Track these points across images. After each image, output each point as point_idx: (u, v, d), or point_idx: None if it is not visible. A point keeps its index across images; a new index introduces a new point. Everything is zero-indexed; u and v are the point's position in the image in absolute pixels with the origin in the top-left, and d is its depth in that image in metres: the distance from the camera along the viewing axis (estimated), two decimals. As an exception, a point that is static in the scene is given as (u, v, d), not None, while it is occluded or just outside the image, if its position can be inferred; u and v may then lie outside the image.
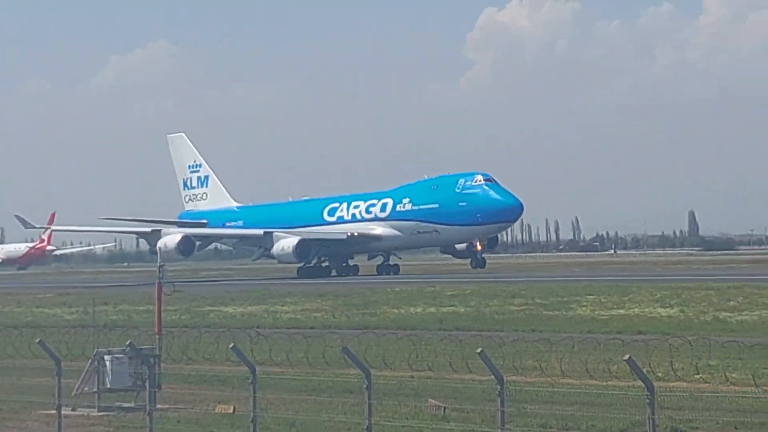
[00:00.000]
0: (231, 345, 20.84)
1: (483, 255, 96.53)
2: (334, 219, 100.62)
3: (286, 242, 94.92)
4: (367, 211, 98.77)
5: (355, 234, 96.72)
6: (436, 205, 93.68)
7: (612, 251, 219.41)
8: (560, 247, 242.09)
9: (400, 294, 60.81)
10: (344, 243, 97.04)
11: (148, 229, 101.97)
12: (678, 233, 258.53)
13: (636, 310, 45.97)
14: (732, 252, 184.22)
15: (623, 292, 54.73)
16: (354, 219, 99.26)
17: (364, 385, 19.00)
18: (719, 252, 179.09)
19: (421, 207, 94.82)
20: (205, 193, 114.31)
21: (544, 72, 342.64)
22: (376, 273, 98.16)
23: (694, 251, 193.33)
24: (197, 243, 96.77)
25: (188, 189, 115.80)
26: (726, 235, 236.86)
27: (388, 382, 23.51)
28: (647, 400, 16.76)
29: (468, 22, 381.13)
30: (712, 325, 39.04)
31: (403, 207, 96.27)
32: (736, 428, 20.01)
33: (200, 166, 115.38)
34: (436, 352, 26.91)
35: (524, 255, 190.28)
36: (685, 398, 21.42)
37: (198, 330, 37.09)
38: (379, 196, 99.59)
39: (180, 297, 63.15)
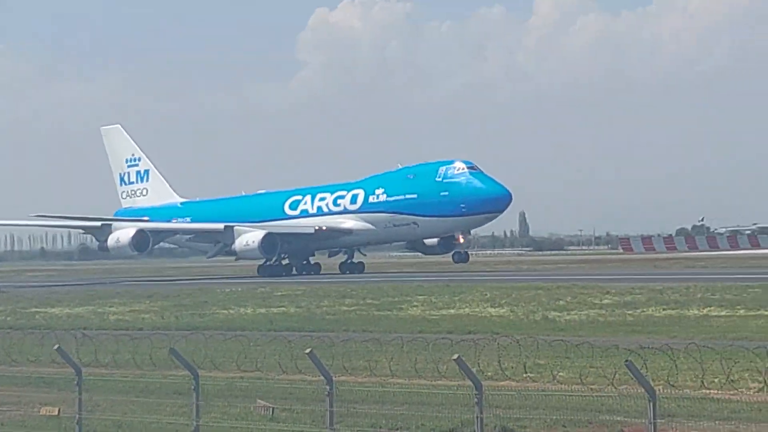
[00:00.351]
0: (56, 346, 20.35)
1: (466, 250, 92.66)
2: (296, 212, 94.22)
3: (250, 236, 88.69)
4: (335, 204, 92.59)
5: (324, 228, 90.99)
6: (415, 196, 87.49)
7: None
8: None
9: (230, 295, 60.41)
10: (312, 238, 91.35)
11: (98, 224, 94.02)
12: (509, 233, 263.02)
13: (466, 309, 46.16)
14: (561, 252, 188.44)
15: (454, 292, 55.29)
16: (320, 212, 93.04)
17: (192, 386, 18.80)
18: (549, 252, 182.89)
19: (397, 198, 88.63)
20: (145, 188, 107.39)
21: (376, 72, 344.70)
22: (339, 272, 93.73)
23: (524, 251, 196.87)
24: (151, 239, 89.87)
25: (125, 184, 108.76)
26: (555, 235, 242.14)
27: (216, 383, 23.20)
28: (476, 399, 16.86)
29: (299, 22, 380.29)
30: (541, 324, 39.33)
31: (377, 198, 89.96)
32: (564, 426, 20.25)
33: (139, 159, 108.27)
34: (265, 352, 26.66)
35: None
36: (513, 397, 21.54)
37: (23, 331, 36.23)
38: (348, 187, 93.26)
39: (5, 298, 61.83)
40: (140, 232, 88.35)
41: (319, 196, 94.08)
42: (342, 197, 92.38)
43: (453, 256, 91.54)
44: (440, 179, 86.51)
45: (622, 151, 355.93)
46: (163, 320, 45.54)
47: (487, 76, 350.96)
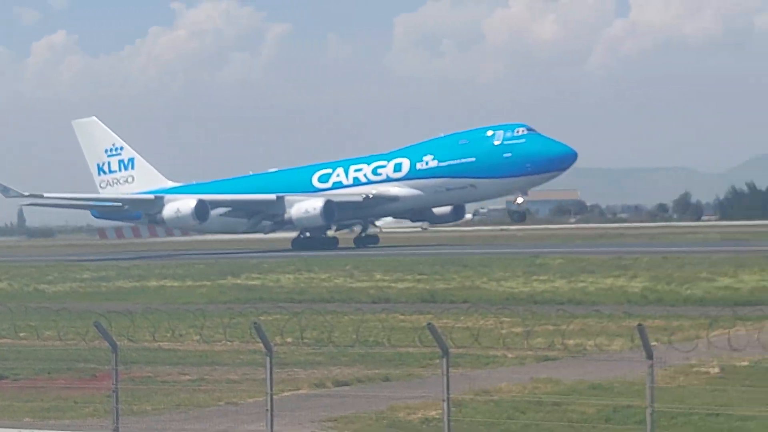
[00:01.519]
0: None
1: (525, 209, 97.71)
2: (327, 185, 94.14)
3: (309, 203, 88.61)
4: (375, 173, 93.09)
5: (370, 195, 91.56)
6: (473, 159, 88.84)
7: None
8: None
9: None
10: (359, 205, 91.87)
11: (151, 197, 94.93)
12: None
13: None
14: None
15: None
16: (358, 183, 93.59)
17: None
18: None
19: (452, 162, 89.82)
20: (131, 176, 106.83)
21: None
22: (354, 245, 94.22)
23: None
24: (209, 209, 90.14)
25: (105, 174, 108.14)
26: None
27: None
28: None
29: None
30: (33, 294, 47.92)
31: (425, 165, 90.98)
32: (48, 373, 26.56)
33: (121, 148, 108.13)
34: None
35: None
36: (8, 351, 28.03)
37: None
38: (388, 156, 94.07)
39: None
40: (201, 202, 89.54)
41: (353, 167, 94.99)
42: (383, 167, 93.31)
43: (512, 215, 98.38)
44: (500, 142, 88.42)
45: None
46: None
47: None
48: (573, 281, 48.58)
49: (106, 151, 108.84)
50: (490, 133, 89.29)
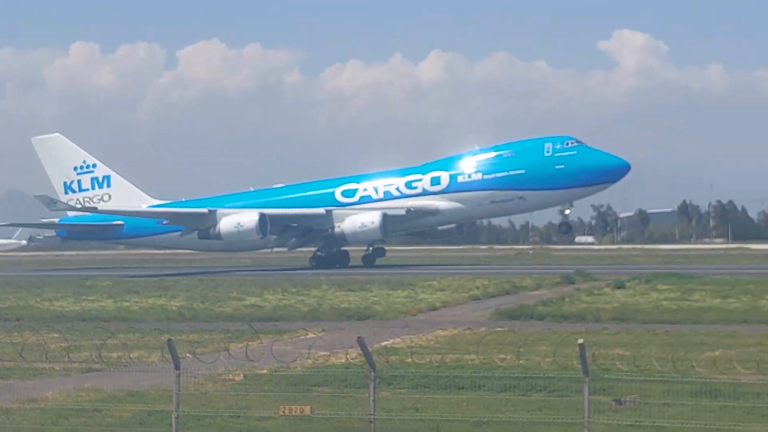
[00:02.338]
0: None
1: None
2: (354, 200, 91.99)
3: (366, 217, 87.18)
4: (409, 187, 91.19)
5: (412, 209, 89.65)
6: (522, 171, 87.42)
7: None
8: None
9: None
10: (404, 219, 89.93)
11: (204, 210, 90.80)
12: None
13: None
14: None
15: None
16: (390, 197, 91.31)
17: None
18: None
19: (498, 175, 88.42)
20: (106, 194, 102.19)
21: None
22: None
23: None
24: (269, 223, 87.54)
25: (75, 192, 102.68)
26: None
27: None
28: None
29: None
30: None
31: (467, 177, 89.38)
32: None
33: (94, 166, 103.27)
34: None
35: None
36: None
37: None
38: (423, 170, 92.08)
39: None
40: (263, 216, 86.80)
41: (383, 181, 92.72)
42: (417, 180, 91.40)
43: (560, 227, 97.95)
44: (550, 154, 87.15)
45: None
46: None
47: None
48: (119, 301, 52.27)
49: (75, 168, 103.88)
50: (546, 145, 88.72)
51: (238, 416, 23.20)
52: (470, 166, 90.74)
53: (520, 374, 25.75)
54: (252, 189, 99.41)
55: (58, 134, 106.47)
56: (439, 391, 24.42)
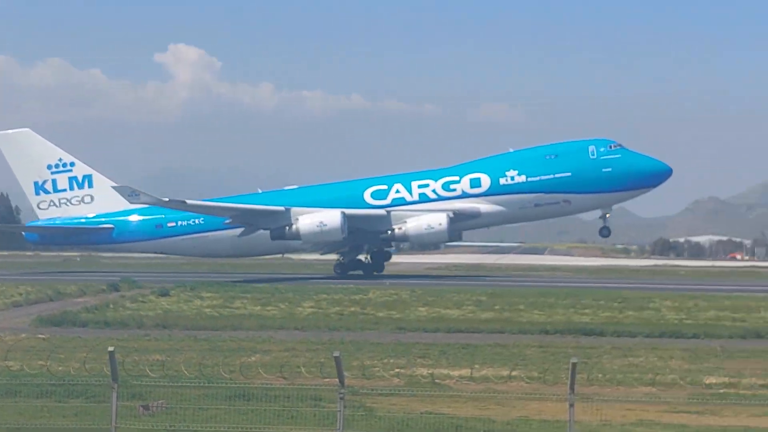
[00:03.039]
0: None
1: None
2: (385, 202, 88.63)
3: (433, 218, 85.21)
4: (446, 189, 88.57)
5: (453, 213, 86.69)
6: (568, 174, 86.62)
7: None
8: None
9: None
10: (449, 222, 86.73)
11: (281, 207, 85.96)
12: None
13: None
14: None
15: None
16: (425, 199, 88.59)
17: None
18: None
19: (543, 177, 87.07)
20: (88, 195, 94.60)
21: None
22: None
23: None
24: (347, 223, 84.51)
25: (48, 193, 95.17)
26: None
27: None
28: None
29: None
30: None
31: (510, 180, 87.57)
32: None
33: (72, 164, 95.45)
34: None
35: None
36: None
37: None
38: (460, 171, 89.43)
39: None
40: (344, 215, 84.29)
41: (416, 183, 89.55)
42: (455, 182, 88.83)
43: (600, 230, 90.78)
44: (595, 157, 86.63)
45: None
46: None
47: None
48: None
49: (49, 167, 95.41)
50: (590, 147, 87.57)
51: None
52: (512, 168, 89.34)
53: (57, 381, 25.84)
54: (259, 191, 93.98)
55: (27, 129, 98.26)
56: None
